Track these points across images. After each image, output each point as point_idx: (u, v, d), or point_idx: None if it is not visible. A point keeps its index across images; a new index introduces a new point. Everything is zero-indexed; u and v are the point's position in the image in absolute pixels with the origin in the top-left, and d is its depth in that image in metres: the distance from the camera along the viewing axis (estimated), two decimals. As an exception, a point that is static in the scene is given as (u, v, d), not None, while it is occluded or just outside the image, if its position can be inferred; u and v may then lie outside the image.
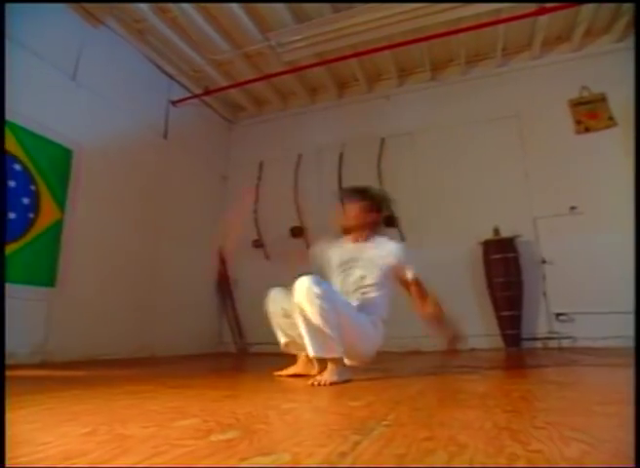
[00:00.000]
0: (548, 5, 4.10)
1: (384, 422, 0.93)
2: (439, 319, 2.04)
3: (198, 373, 2.45)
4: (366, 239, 2.18)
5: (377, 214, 2.20)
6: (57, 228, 3.47)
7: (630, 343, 3.89)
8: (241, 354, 5.04)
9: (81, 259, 3.64)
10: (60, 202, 3.53)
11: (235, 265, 5.42)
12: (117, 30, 4.27)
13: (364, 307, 2.00)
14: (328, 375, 1.71)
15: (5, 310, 3.14)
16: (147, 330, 4.32)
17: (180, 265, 4.86)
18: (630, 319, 3.96)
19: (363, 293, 2.06)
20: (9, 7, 2.76)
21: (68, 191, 3.60)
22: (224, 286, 5.41)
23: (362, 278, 2.07)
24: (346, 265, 2.12)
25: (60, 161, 3.55)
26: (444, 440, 0.78)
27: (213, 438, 0.82)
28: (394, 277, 2.13)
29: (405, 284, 2.14)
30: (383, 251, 2.11)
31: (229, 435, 0.84)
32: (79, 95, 3.82)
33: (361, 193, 2.21)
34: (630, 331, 3.94)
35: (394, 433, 0.84)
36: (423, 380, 1.80)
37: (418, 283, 2.10)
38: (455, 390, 1.47)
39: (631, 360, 2.65)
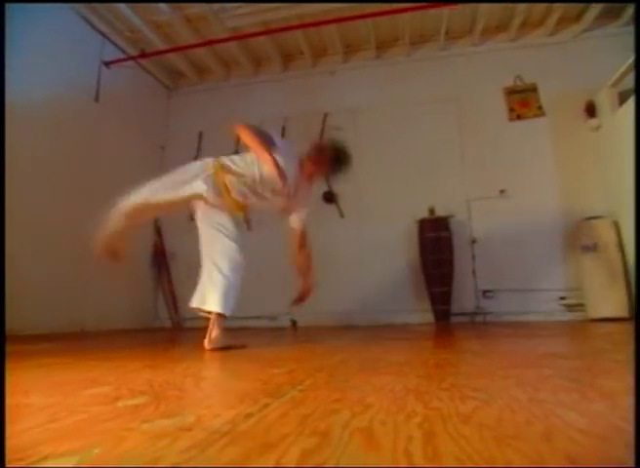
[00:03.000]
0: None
1: (299, 387, 0.95)
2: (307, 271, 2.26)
3: (125, 346, 2.38)
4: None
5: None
6: (-31, 193, 3.18)
7: (547, 318, 4.23)
8: (176, 329, 4.95)
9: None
10: (-25, 165, 3.22)
11: (172, 238, 5.26)
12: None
13: None
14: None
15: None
16: (77, 303, 4.12)
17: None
18: (547, 295, 4.31)
19: None
20: None
21: (-16, 153, 3.29)
22: (161, 259, 5.25)
23: None
24: None
25: (-28, 119, 3.23)
26: (352, 401, 0.80)
27: (120, 404, 0.80)
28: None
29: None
30: None
31: (137, 401, 0.82)
32: (-5, 47, 3.46)
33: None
34: (548, 306, 4.29)
35: (306, 396, 0.86)
36: (349, 350, 1.86)
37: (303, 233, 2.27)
38: (377, 359, 1.53)
39: (544, 331, 2.87)
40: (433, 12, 4.49)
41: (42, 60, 3.92)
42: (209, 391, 0.92)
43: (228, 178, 2.06)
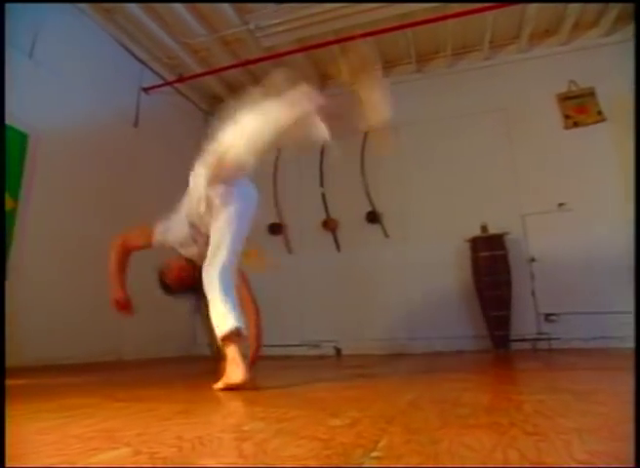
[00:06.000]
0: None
1: (375, 453, 0.70)
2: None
3: (160, 381, 2.18)
4: None
5: None
6: (9, 219, 3.14)
7: (621, 344, 3.76)
8: (216, 357, 4.75)
9: (37, 253, 3.31)
10: (14, 190, 3.20)
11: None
12: (80, 7, 3.95)
13: None
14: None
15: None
16: (113, 331, 4.00)
17: (152, 261, 4.54)
18: (620, 318, 3.84)
19: None
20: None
21: (23, 179, 3.27)
22: (200, 283, 5.10)
23: None
24: None
25: (13, 145, 3.22)
26: (463, 486, 0.55)
27: (133, 484, 0.58)
28: None
29: None
30: None
31: (157, 479, 0.59)
32: (38, 74, 3.49)
33: None
34: (621, 331, 3.82)
35: (390, 473, 0.60)
36: (414, 388, 1.58)
37: None
38: (453, 402, 1.25)
39: (629, 362, 2.48)
40: (476, 19, 4.26)
41: (84, 88, 3.95)
42: (252, 458, 0.68)
43: None
